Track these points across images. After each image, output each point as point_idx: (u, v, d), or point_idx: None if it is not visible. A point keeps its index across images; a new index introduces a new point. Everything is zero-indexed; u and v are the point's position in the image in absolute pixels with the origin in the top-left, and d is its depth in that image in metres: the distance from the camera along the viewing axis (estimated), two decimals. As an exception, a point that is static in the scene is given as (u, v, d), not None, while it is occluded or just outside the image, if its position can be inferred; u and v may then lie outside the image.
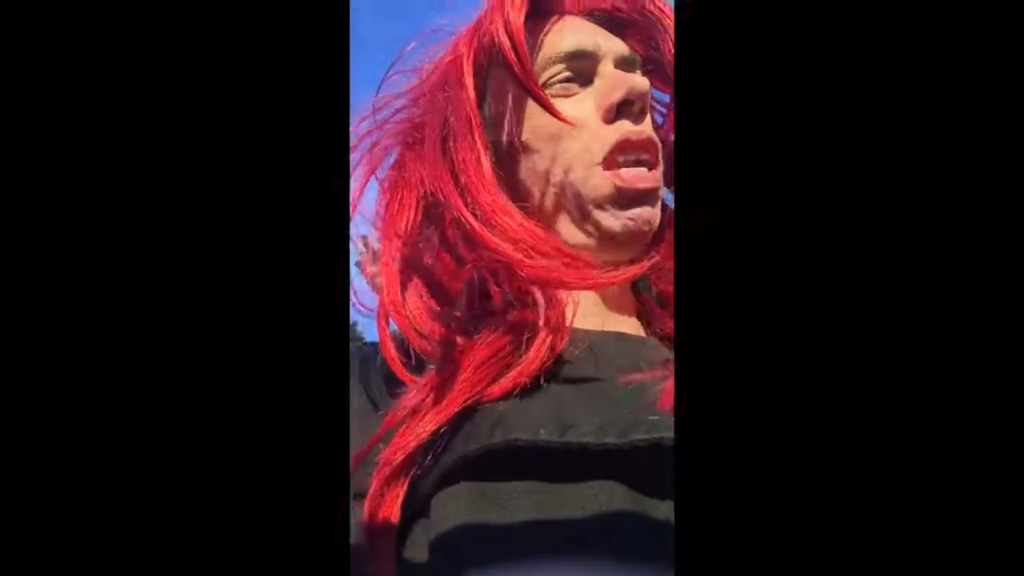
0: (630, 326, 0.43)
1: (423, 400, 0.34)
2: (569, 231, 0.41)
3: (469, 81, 0.41)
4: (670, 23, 0.43)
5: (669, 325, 0.43)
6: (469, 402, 0.33)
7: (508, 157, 0.42)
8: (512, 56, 0.40)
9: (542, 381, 0.34)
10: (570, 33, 0.42)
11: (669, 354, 0.39)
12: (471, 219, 0.38)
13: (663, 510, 0.30)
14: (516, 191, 0.42)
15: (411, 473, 0.32)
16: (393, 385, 0.37)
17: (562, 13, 0.43)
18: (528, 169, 0.42)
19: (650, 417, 0.31)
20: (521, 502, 0.29)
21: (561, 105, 0.40)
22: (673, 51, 0.43)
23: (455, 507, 0.30)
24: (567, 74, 0.41)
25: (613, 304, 0.43)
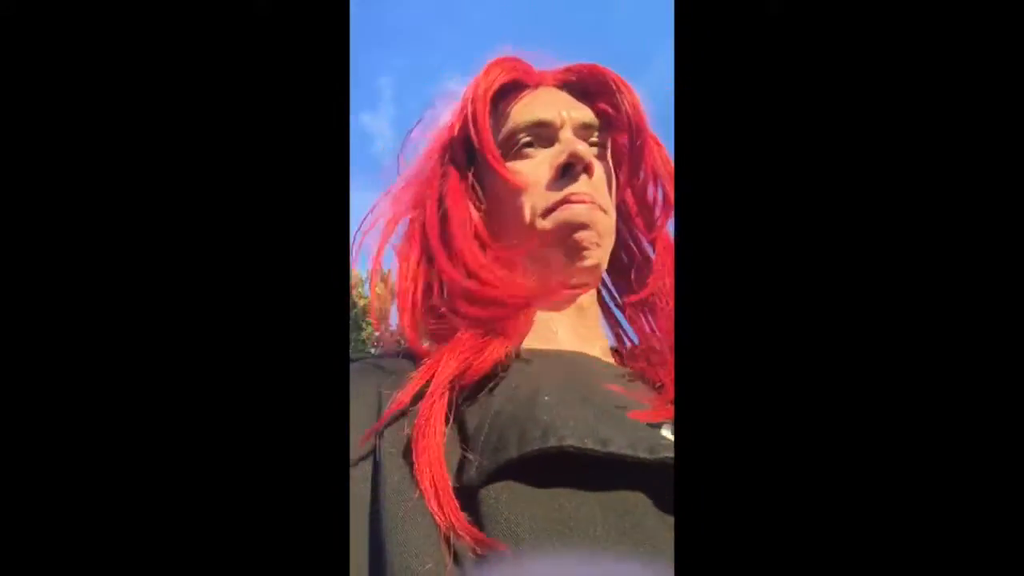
0: (600, 351, 0.51)
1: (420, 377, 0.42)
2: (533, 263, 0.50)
3: (460, 158, 0.53)
4: (624, 87, 0.52)
5: (641, 364, 0.50)
6: (460, 369, 0.41)
7: (491, 209, 0.53)
8: (475, 138, 0.51)
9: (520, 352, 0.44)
10: (537, 105, 0.52)
11: (646, 387, 0.47)
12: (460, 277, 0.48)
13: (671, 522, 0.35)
14: (503, 234, 0.52)
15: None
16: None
17: (537, 86, 0.54)
18: (505, 216, 0.52)
19: (662, 440, 0.36)
20: (564, 504, 0.34)
21: (520, 166, 0.51)
22: (631, 109, 0.52)
23: (507, 505, 0.35)
24: (528, 139, 0.51)
25: (589, 331, 0.52)
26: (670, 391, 0.43)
